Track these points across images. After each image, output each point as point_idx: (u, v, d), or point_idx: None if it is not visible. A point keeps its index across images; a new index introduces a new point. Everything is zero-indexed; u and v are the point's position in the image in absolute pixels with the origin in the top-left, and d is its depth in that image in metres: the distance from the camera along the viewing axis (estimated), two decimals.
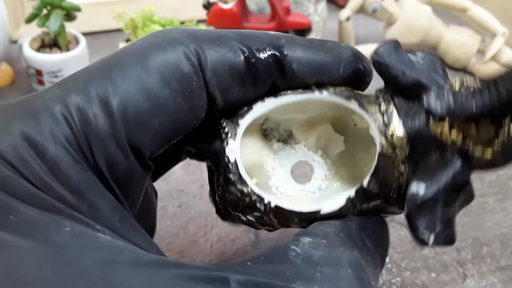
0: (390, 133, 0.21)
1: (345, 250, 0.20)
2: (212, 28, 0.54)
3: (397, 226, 0.40)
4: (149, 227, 0.28)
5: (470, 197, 0.21)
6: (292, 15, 0.53)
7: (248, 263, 0.18)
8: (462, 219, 0.41)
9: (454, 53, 0.61)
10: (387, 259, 0.28)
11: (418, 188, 0.19)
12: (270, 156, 0.26)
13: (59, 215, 0.18)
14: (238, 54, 0.23)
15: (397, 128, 0.21)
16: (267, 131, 0.27)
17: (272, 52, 0.23)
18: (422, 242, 0.20)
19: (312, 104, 0.25)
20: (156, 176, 0.29)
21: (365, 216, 0.22)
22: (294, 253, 0.19)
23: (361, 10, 0.58)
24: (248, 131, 0.24)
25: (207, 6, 0.52)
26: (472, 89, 0.19)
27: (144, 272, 0.17)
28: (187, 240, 0.38)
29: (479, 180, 0.45)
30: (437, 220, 0.20)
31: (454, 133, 0.20)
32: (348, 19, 0.58)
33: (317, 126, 0.27)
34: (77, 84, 0.20)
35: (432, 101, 0.19)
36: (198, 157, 0.30)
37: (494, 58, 0.59)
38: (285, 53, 0.23)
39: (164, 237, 0.38)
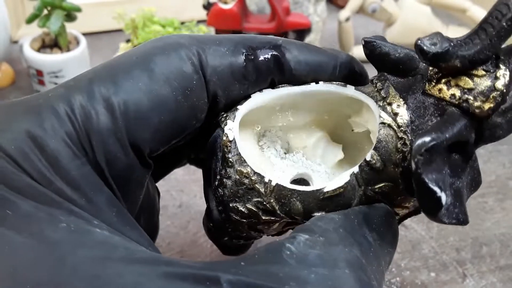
0: (389, 105, 0.22)
1: (343, 249, 0.19)
2: (212, 28, 0.54)
3: None
4: (152, 227, 0.28)
5: (477, 177, 0.21)
6: (292, 16, 0.53)
7: (242, 263, 0.18)
8: None
9: None
10: None
11: (423, 139, 0.18)
12: (268, 170, 0.26)
13: (57, 209, 0.18)
14: (237, 52, 0.23)
15: (395, 99, 0.22)
16: (263, 147, 0.27)
17: (271, 49, 0.24)
18: (435, 200, 0.18)
19: (308, 99, 0.25)
20: (158, 177, 0.29)
21: (371, 206, 0.22)
22: (288, 252, 0.18)
23: (361, 10, 0.58)
24: (245, 147, 0.24)
25: (207, 7, 0.53)
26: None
27: (135, 269, 0.17)
28: (187, 240, 0.38)
29: None
30: (446, 182, 0.19)
31: (451, 89, 0.20)
32: (347, 19, 0.58)
33: (314, 133, 0.27)
34: (80, 84, 0.21)
35: (426, 42, 0.19)
36: (198, 163, 0.30)
37: None
38: (283, 51, 0.24)
39: (164, 237, 0.38)
